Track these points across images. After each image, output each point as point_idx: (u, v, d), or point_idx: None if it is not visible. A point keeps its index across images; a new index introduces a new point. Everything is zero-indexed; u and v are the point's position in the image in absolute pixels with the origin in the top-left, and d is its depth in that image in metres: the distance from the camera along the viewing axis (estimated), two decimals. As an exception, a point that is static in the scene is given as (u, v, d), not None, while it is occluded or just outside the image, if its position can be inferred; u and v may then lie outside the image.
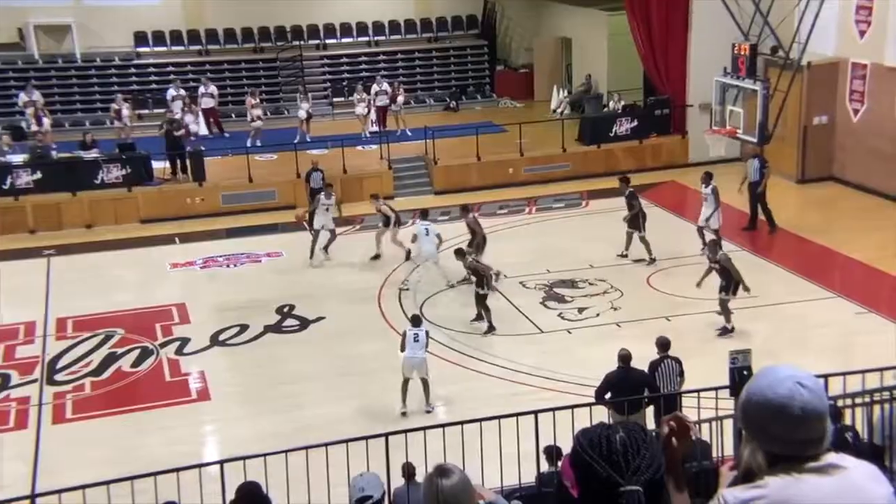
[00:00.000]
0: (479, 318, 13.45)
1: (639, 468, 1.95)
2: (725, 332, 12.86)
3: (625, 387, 9.33)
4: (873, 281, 14.66)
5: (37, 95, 21.48)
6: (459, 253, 13.78)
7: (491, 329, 13.23)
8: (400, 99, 22.14)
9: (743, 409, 2.13)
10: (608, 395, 9.45)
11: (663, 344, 10.16)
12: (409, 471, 7.87)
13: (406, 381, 11.26)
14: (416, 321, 11.65)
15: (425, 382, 11.35)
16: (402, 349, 11.28)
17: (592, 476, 1.96)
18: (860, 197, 18.18)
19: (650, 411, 9.23)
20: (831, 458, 2.10)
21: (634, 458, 1.96)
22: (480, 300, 13.26)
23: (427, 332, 11.49)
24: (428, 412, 11.27)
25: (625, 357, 9.66)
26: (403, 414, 11.16)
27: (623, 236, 15.62)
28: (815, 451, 2.08)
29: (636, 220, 15.37)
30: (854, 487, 2.07)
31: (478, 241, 15.02)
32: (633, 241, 15.50)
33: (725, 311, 12.89)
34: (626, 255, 15.59)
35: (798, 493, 2.05)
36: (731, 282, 12.72)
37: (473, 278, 13.48)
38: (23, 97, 21.37)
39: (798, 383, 2.07)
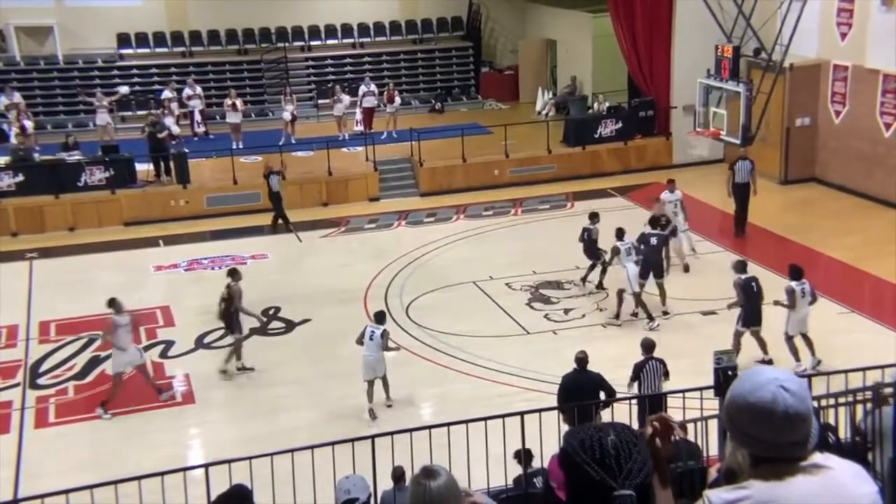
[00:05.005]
0: None
1: (631, 472, 1.95)
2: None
3: (577, 390, 9.27)
4: (855, 281, 14.78)
5: (17, 97, 21.30)
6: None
7: None
8: (397, 100, 22.18)
9: (726, 413, 2.13)
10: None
11: (648, 345, 10.18)
12: (397, 474, 7.85)
13: (370, 385, 11.25)
14: (379, 318, 11.60)
15: (384, 380, 11.41)
16: (359, 341, 11.31)
17: (584, 479, 1.95)
18: (842, 198, 18.33)
19: (619, 412, 9.21)
20: (816, 458, 2.10)
21: (626, 462, 1.96)
22: None
23: (385, 332, 11.34)
24: (389, 406, 11.40)
25: (580, 360, 9.64)
26: (370, 412, 11.24)
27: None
28: (800, 453, 2.08)
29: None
30: (839, 487, 2.07)
31: None
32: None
33: (736, 342, 11.65)
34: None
35: (783, 493, 2.05)
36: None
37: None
38: (3, 100, 21.18)
39: (781, 387, 2.06)
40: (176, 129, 20.52)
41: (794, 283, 11.79)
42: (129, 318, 11.73)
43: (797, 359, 11.76)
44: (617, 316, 13.45)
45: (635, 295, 13.32)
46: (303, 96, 24.06)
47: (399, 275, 15.62)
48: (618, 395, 9.46)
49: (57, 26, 23.07)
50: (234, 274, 12.66)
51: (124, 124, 22.43)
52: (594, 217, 14.60)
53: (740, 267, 12.08)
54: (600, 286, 14.50)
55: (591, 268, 14.52)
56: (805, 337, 11.85)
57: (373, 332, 11.26)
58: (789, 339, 11.83)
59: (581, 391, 9.20)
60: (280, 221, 17.83)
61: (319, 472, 7.55)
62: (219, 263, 16.59)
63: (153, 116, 20.40)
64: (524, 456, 7.92)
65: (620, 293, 13.46)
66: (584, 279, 14.69)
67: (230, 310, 12.38)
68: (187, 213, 18.70)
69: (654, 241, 13.62)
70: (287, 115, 21.45)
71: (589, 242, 14.44)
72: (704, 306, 13.73)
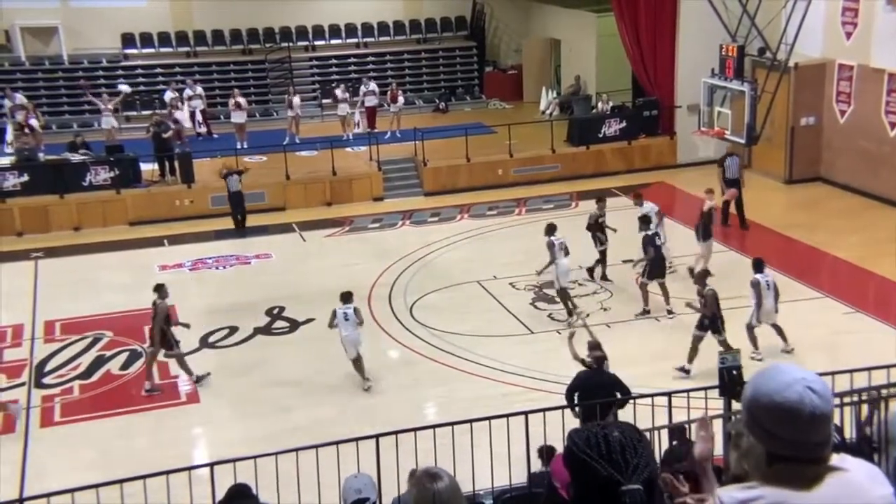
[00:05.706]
0: None
1: (637, 467, 1.96)
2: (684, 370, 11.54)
3: (593, 388, 9.27)
4: (861, 281, 14.75)
5: (19, 98, 21.26)
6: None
7: None
8: (400, 100, 22.22)
9: (749, 411, 2.11)
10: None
11: (595, 346, 10.07)
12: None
13: (356, 361, 11.79)
14: (345, 298, 11.92)
15: (359, 360, 11.82)
16: (331, 325, 11.81)
17: (591, 475, 1.95)
18: (847, 197, 18.29)
19: (624, 413, 9.20)
20: (832, 459, 2.10)
21: (633, 457, 1.96)
22: None
23: (356, 309, 11.83)
24: (367, 385, 11.78)
25: (598, 358, 9.66)
26: (368, 388, 11.81)
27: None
28: (822, 453, 2.07)
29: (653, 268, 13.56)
30: (855, 488, 2.06)
31: None
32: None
33: (693, 347, 11.66)
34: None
35: (797, 493, 2.04)
36: (705, 318, 11.63)
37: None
38: (7, 103, 21.14)
39: (808, 387, 2.05)
40: (188, 124, 20.64)
41: (758, 276, 11.89)
42: None
43: (755, 346, 11.83)
44: (570, 313, 13.36)
45: (560, 290, 13.54)
46: (307, 96, 24.07)
47: (403, 274, 15.63)
48: (624, 397, 9.44)
49: (62, 27, 23.11)
50: (159, 290, 12.05)
51: (129, 124, 22.47)
52: (599, 201, 15.00)
53: (705, 277, 11.83)
54: (604, 277, 14.76)
55: (603, 259, 14.77)
56: (776, 327, 11.99)
57: (346, 312, 11.71)
58: (750, 329, 11.91)
59: (598, 391, 9.20)
60: (240, 220, 17.81)
61: (324, 472, 7.57)
62: (223, 263, 16.63)
63: (158, 116, 20.43)
64: (546, 453, 7.91)
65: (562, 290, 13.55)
66: (602, 274, 14.88)
67: (158, 326, 11.90)
68: (192, 213, 18.73)
69: (659, 241, 13.67)
70: (296, 100, 21.39)
71: (589, 227, 14.74)
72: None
